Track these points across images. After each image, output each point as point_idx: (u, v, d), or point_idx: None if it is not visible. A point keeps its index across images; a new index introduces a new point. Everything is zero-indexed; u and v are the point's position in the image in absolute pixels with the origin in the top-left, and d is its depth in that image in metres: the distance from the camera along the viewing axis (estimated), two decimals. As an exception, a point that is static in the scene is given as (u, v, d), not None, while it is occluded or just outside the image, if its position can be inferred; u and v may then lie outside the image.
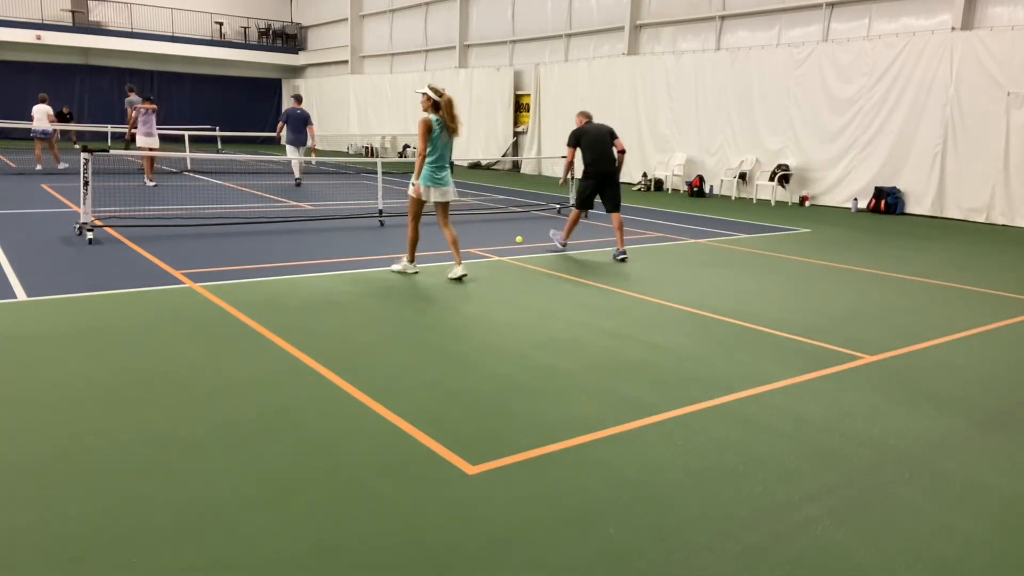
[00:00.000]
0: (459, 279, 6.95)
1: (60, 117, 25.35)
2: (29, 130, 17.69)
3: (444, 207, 7.16)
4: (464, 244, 9.05)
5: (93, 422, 3.49)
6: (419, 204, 7.09)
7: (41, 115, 16.80)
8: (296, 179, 16.30)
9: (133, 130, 14.60)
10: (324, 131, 33.06)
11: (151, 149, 14.49)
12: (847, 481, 3.17)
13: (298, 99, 16.50)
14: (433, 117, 6.85)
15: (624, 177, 19.54)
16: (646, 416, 3.80)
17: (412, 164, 7.73)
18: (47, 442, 3.27)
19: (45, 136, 16.90)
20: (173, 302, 5.80)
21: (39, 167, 17.47)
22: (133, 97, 15.72)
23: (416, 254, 7.30)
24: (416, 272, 7.26)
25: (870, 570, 2.52)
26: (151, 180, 14.86)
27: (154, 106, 14.53)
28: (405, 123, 27.71)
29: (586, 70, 20.56)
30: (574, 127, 8.66)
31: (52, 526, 2.62)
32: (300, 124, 15.64)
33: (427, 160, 6.89)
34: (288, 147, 15.80)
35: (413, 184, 7.02)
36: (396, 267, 7.31)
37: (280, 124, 15.88)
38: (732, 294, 6.77)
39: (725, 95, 17.08)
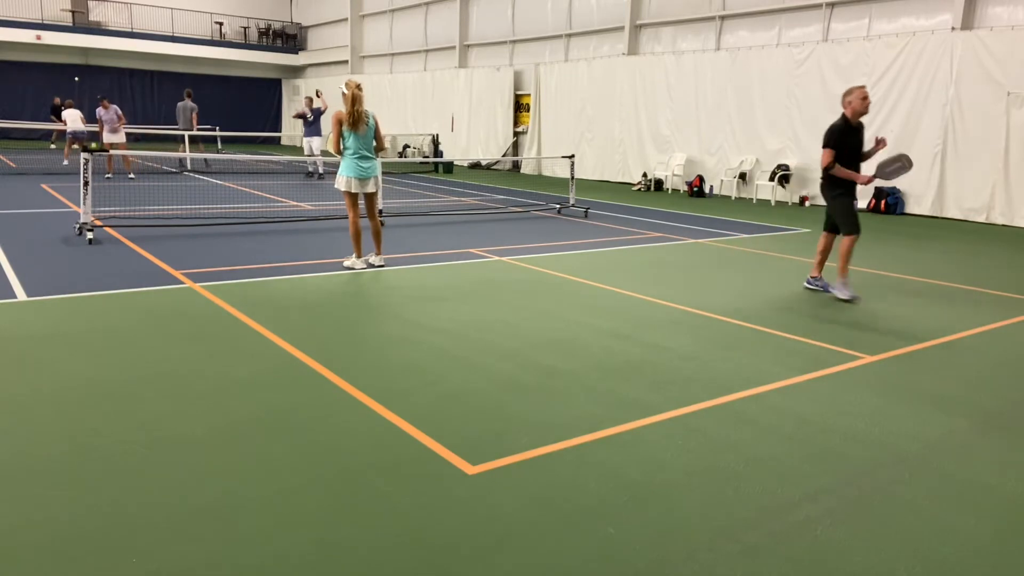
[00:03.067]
0: (378, 266, 7.40)
1: (54, 111, 25.54)
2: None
3: (370, 198, 7.45)
4: (464, 244, 9.05)
5: (93, 422, 3.49)
6: (351, 197, 7.34)
7: (75, 118, 18.11)
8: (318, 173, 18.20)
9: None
10: (324, 131, 33.00)
11: (110, 146, 15.69)
12: (847, 481, 3.17)
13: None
14: (344, 111, 7.18)
15: (624, 177, 19.77)
16: (646, 416, 3.80)
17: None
18: (47, 442, 3.27)
19: (80, 137, 18.16)
20: (173, 302, 5.80)
21: (66, 163, 18.93)
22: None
23: (383, 252, 7.60)
24: (364, 268, 7.39)
25: (870, 570, 2.52)
26: (109, 174, 16.12)
27: (103, 105, 16.02)
28: (404, 123, 27.72)
29: (586, 70, 20.56)
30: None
31: (52, 526, 2.62)
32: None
33: (346, 152, 7.22)
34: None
35: (337, 178, 7.39)
36: (346, 263, 7.46)
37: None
38: (732, 294, 6.77)
39: (725, 95, 17.08)
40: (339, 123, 7.17)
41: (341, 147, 7.25)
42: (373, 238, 7.55)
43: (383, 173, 7.34)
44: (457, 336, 5.14)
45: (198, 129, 19.83)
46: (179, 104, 19.39)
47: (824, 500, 3.00)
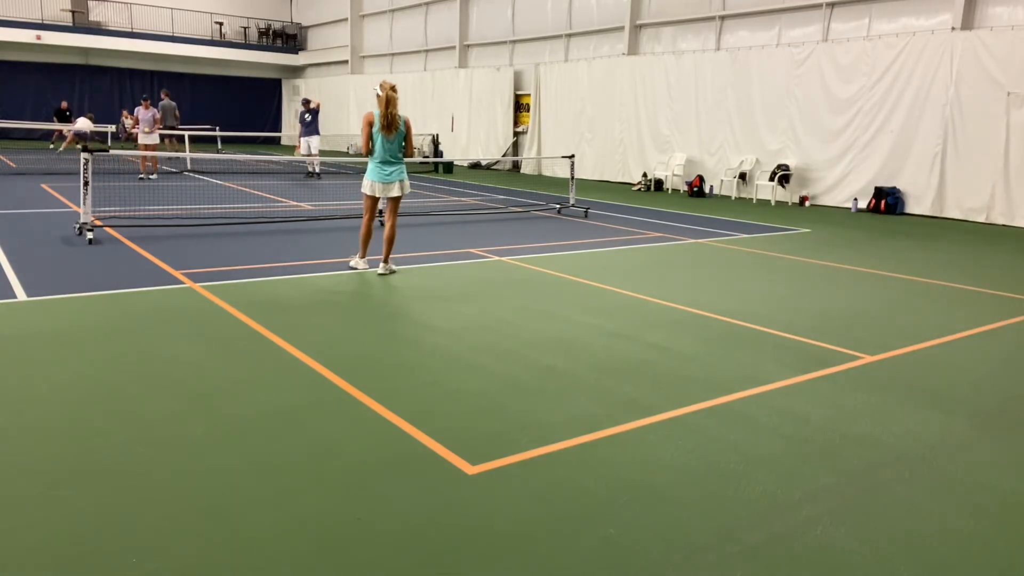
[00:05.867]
0: (382, 275, 7.08)
1: (60, 114, 25.73)
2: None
3: (393, 202, 7.26)
4: (464, 244, 9.05)
5: (93, 422, 3.49)
6: (370, 200, 7.22)
7: (84, 124, 20.11)
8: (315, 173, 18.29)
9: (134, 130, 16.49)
10: (324, 131, 33.01)
11: (144, 147, 15.98)
12: (847, 481, 3.17)
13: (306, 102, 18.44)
14: (376, 113, 6.94)
15: (624, 177, 19.76)
16: (646, 416, 3.80)
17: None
18: (47, 442, 3.27)
19: (83, 137, 19.66)
20: (173, 302, 5.80)
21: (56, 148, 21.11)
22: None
23: (391, 255, 7.33)
24: (367, 268, 7.29)
25: (870, 570, 2.52)
26: (151, 175, 16.24)
27: (144, 105, 16.26)
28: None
29: (586, 70, 20.56)
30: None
31: (52, 526, 2.62)
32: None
33: (373, 156, 7.05)
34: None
35: (363, 182, 7.24)
36: (351, 262, 7.38)
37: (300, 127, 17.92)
38: (732, 294, 6.77)
39: (725, 95, 17.08)
40: (369, 125, 6.92)
41: (370, 148, 7.01)
42: (385, 243, 7.15)
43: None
44: (457, 336, 5.14)
45: (180, 128, 20.27)
46: (161, 104, 19.52)
47: (824, 500, 3.00)
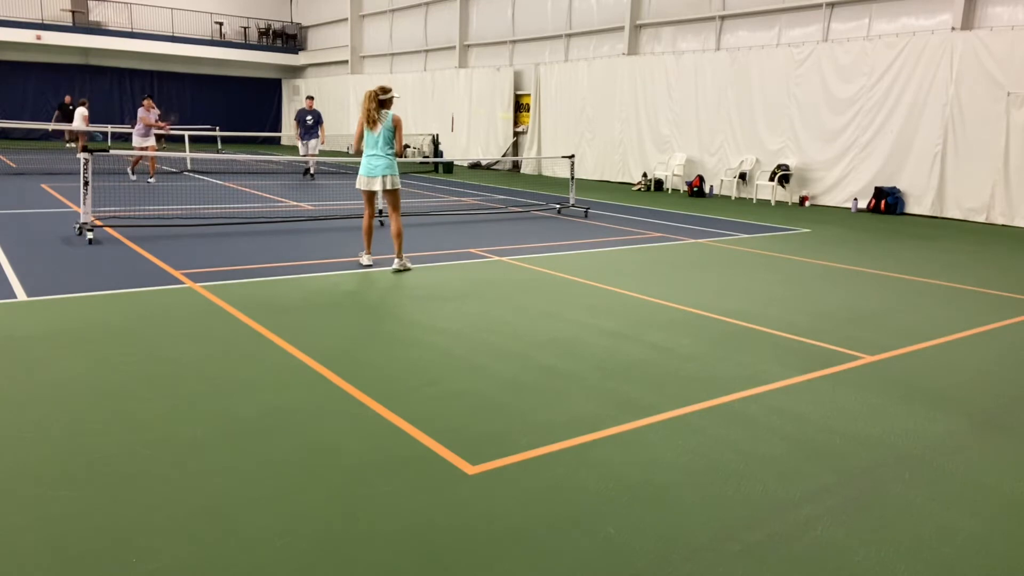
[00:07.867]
0: (397, 271, 7.27)
1: (62, 109, 25.71)
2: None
3: (390, 196, 7.42)
4: (464, 244, 9.05)
5: (93, 422, 3.49)
6: (365, 195, 7.43)
7: (79, 118, 20.16)
8: (310, 173, 18.23)
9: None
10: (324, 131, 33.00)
11: (142, 148, 15.74)
12: (847, 481, 3.17)
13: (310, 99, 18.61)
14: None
15: (624, 177, 19.76)
16: (646, 416, 3.80)
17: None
18: (47, 442, 3.27)
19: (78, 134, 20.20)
20: (173, 302, 5.80)
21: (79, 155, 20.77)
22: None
23: (405, 253, 7.50)
24: (370, 264, 7.44)
25: (870, 570, 2.52)
26: (149, 179, 15.91)
27: (146, 106, 15.93)
28: (404, 123, 27.66)
29: (586, 70, 20.56)
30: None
31: (52, 526, 2.62)
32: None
33: (364, 151, 7.36)
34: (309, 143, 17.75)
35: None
36: (360, 259, 7.61)
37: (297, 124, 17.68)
38: (732, 294, 6.77)
39: (725, 95, 17.08)
40: (361, 124, 7.32)
41: (361, 146, 7.36)
42: (393, 239, 7.37)
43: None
44: (457, 336, 5.14)
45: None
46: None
47: (824, 500, 3.00)
